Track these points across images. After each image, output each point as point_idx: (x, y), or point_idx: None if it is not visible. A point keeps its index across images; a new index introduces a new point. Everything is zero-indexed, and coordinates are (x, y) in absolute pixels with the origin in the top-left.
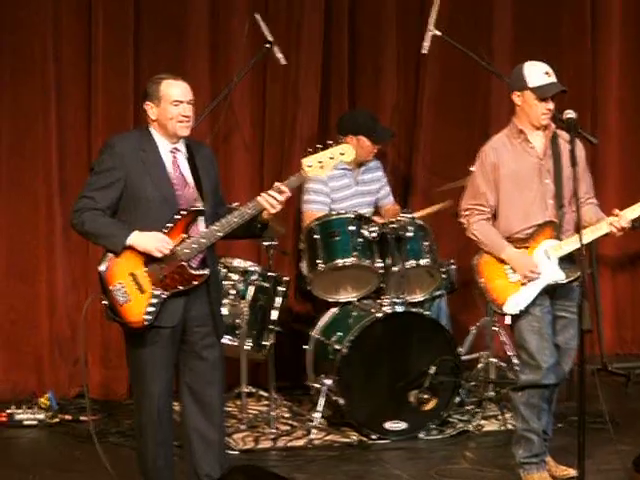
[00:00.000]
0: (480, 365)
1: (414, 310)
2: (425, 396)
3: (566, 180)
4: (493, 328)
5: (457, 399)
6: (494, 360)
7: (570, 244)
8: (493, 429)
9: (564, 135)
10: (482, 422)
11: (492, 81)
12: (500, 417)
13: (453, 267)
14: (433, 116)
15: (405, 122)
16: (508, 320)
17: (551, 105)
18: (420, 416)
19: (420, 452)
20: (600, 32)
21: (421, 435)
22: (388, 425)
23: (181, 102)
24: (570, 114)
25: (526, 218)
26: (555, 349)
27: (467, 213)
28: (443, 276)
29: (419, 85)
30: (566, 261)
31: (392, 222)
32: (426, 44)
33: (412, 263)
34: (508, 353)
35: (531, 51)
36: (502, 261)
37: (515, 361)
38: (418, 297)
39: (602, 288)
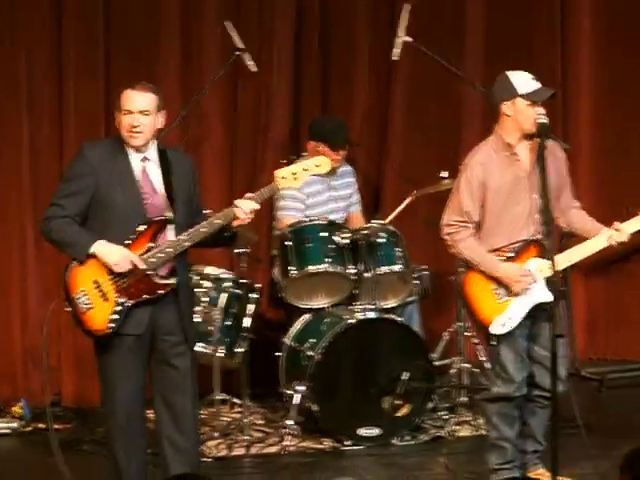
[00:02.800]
0: (453, 370)
1: (386, 316)
2: (398, 402)
3: (553, 193)
4: (465, 333)
5: (430, 405)
6: (467, 365)
7: (558, 264)
8: (466, 434)
9: (549, 147)
10: (455, 427)
11: (463, 88)
12: (473, 422)
13: (425, 273)
14: (404, 122)
15: (376, 128)
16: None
17: (542, 110)
18: (393, 422)
19: (393, 458)
20: (570, 40)
21: (394, 441)
22: (361, 431)
23: (130, 112)
24: (542, 119)
25: (512, 234)
26: (535, 362)
27: (452, 231)
28: (415, 282)
29: (390, 91)
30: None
31: (364, 228)
32: (396, 50)
33: (384, 269)
34: (480, 358)
35: (503, 58)
36: (490, 278)
37: (488, 366)
38: (390, 303)
39: (575, 293)
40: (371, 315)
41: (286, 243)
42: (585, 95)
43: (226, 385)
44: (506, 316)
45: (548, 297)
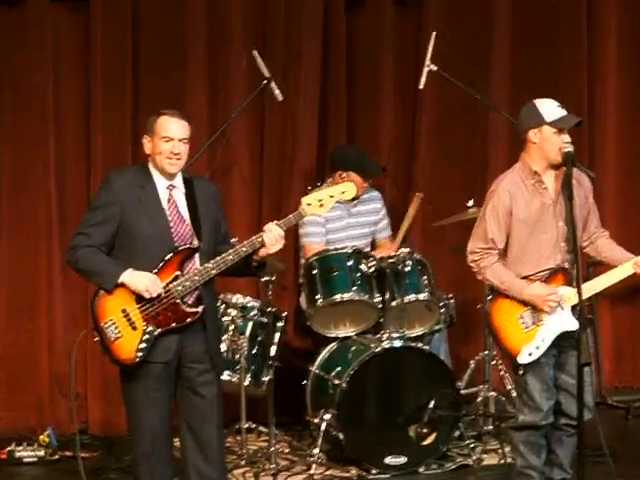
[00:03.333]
0: (479, 399)
1: (413, 344)
2: (424, 430)
3: (579, 222)
4: (492, 362)
5: (457, 433)
6: (493, 394)
7: (584, 292)
8: (493, 463)
9: (575, 175)
10: (482, 456)
11: (490, 116)
12: (500, 451)
13: (452, 301)
14: (431, 151)
15: (403, 157)
16: (521, 371)
17: (568, 138)
18: (420, 450)
19: None
20: (597, 60)
21: (421, 469)
22: (388, 460)
23: (172, 139)
24: (568, 148)
25: (539, 262)
26: (561, 390)
27: (477, 258)
28: (442, 310)
29: (416, 120)
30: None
31: (390, 257)
32: (423, 79)
33: (411, 297)
34: (507, 387)
35: (528, 86)
36: (517, 306)
37: (514, 394)
38: (417, 331)
39: (601, 321)
40: (397, 343)
41: (312, 272)
42: (611, 114)
43: (252, 413)
44: (533, 345)
45: (574, 325)
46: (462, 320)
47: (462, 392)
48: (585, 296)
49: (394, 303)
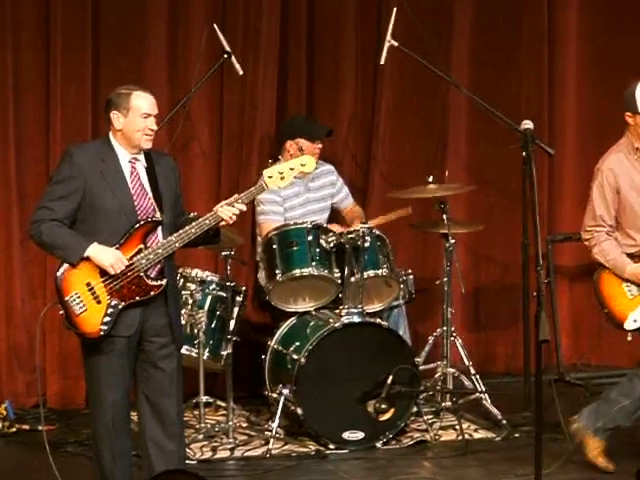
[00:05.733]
0: (437, 375)
1: (371, 320)
2: (382, 406)
3: None
4: (450, 338)
5: (414, 409)
6: (451, 370)
7: None
8: (450, 439)
9: None
10: (439, 432)
11: (450, 92)
12: (457, 427)
13: (411, 277)
14: (391, 126)
15: (363, 132)
16: (629, 337)
17: None
18: (378, 426)
19: (378, 462)
20: (557, 46)
21: (378, 445)
22: (346, 435)
23: (150, 115)
24: (527, 124)
25: None
26: None
27: (588, 237)
28: (401, 286)
29: (377, 95)
30: None
31: (350, 232)
32: (384, 54)
33: (370, 273)
34: (465, 363)
35: (489, 63)
36: (621, 278)
37: (472, 370)
38: (376, 307)
39: (559, 298)
40: (356, 319)
41: (272, 246)
42: (571, 93)
43: (211, 388)
44: (638, 312)
45: None
46: (421, 296)
47: (420, 368)
48: None
49: (353, 279)
